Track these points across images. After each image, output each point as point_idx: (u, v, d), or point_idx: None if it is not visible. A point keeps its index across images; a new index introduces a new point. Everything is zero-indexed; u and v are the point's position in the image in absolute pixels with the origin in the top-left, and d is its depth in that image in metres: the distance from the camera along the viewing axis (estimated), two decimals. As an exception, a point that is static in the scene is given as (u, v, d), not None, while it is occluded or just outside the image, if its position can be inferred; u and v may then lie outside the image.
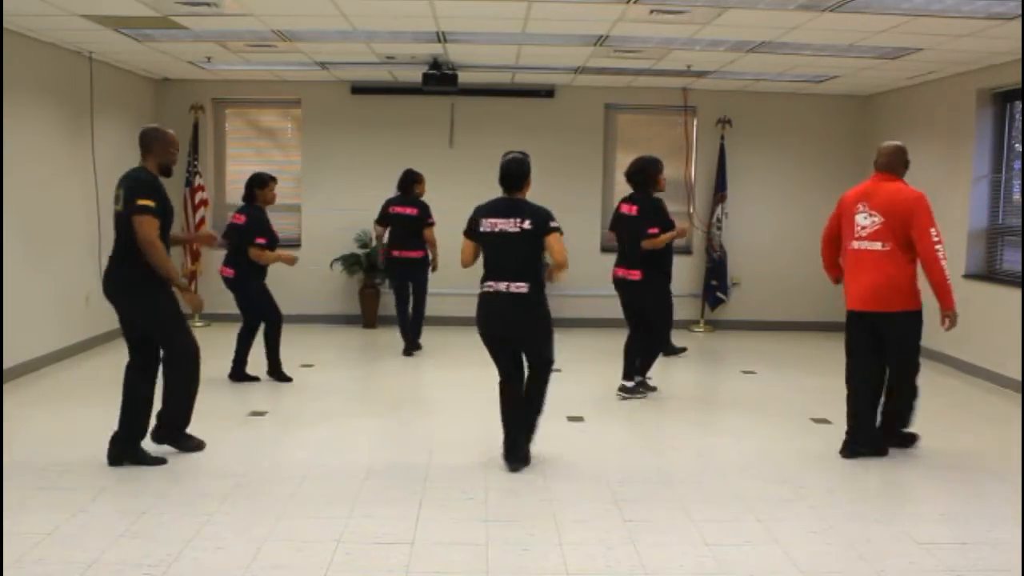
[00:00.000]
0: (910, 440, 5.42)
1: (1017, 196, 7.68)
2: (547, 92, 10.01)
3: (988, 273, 7.93)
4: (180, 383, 5.02)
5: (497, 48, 7.87)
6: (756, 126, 10.14)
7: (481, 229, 4.92)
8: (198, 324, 9.64)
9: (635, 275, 6.54)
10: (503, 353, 5.00)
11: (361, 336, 9.57)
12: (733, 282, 10.17)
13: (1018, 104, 7.73)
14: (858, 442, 5.25)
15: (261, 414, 6.14)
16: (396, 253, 8.26)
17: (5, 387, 6.56)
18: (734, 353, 8.75)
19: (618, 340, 8.72)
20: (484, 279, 4.95)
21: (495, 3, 6.09)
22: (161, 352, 4.99)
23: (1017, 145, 7.81)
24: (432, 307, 9.79)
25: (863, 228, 5.13)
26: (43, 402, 6.36)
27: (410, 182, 8.34)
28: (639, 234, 6.49)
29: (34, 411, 6.08)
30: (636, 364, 6.69)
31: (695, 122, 10.21)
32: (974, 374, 7.70)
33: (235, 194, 10.02)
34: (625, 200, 6.72)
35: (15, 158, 6.90)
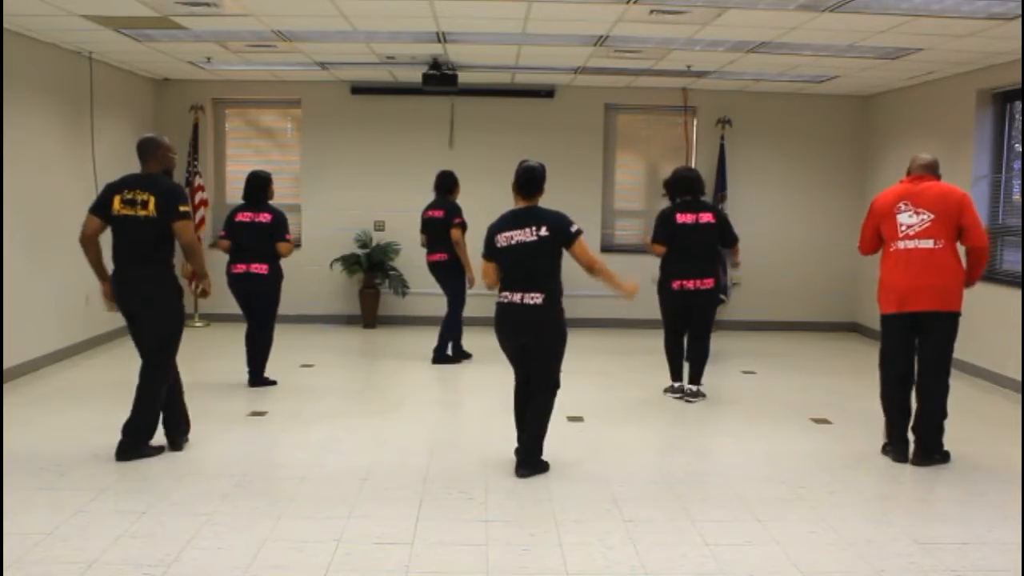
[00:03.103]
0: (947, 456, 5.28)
1: (1017, 196, 7.68)
2: (547, 92, 10.02)
3: (988, 273, 7.89)
4: (159, 393, 5.04)
5: (497, 48, 7.87)
6: (756, 126, 10.15)
7: (497, 245, 4.84)
8: (197, 324, 9.65)
9: (709, 283, 6.57)
10: (522, 360, 4.94)
11: (361, 336, 9.57)
12: (733, 282, 10.17)
13: (1018, 104, 7.73)
14: (930, 447, 5.16)
15: (261, 414, 6.14)
16: (428, 257, 8.02)
17: (5, 387, 6.56)
18: (734, 353, 8.75)
19: (618, 340, 8.73)
20: (500, 290, 4.88)
21: (495, 3, 6.09)
22: (143, 352, 5.05)
23: (1017, 145, 7.81)
24: (432, 307, 9.81)
25: (909, 227, 5.04)
26: (43, 402, 6.36)
27: (450, 184, 7.98)
28: (726, 242, 6.70)
29: (34, 411, 6.08)
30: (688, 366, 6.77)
31: (695, 122, 10.21)
32: (974, 374, 7.69)
33: (235, 194, 10.04)
34: (687, 209, 6.56)
35: (15, 158, 6.90)
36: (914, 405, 5.24)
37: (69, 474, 4.72)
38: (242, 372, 7.00)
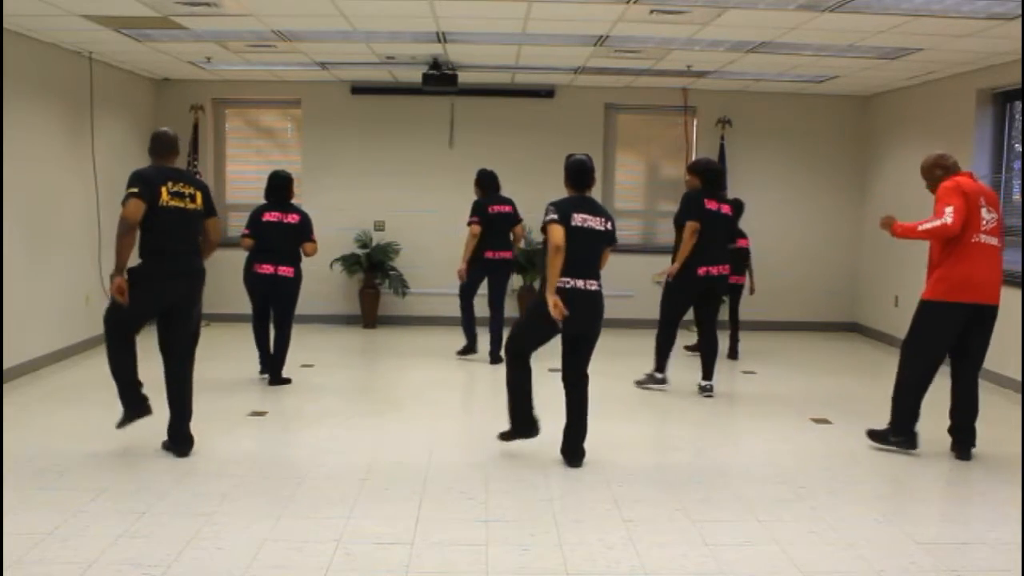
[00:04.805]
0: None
1: (1017, 196, 7.68)
2: (547, 92, 10.02)
3: (988, 273, 7.92)
4: (192, 373, 5.19)
5: (497, 48, 7.87)
6: (756, 126, 10.15)
7: (573, 223, 4.86)
8: (198, 324, 9.65)
9: (727, 269, 6.81)
10: (544, 341, 5.05)
11: (361, 336, 9.57)
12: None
13: (1018, 104, 7.73)
14: (973, 440, 5.32)
15: (261, 414, 6.14)
16: (491, 254, 7.75)
17: (5, 387, 6.56)
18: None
19: (617, 340, 8.72)
20: (559, 275, 4.86)
21: (495, 3, 6.09)
22: (178, 346, 5.10)
23: (1017, 145, 7.81)
24: (432, 308, 9.82)
25: (987, 222, 5.18)
26: (43, 402, 6.36)
27: (497, 181, 7.92)
28: (735, 233, 7.09)
29: (34, 411, 6.08)
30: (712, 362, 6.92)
31: (695, 122, 10.21)
32: (974, 374, 7.69)
33: (235, 194, 10.07)
34: (712, 198, 6.69)
35: (15, 158, 6.89)
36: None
37: (69, 474, 4.71)
38: (242, 371, 7.02)
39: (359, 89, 9.98)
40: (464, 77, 8.97)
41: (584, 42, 7.41)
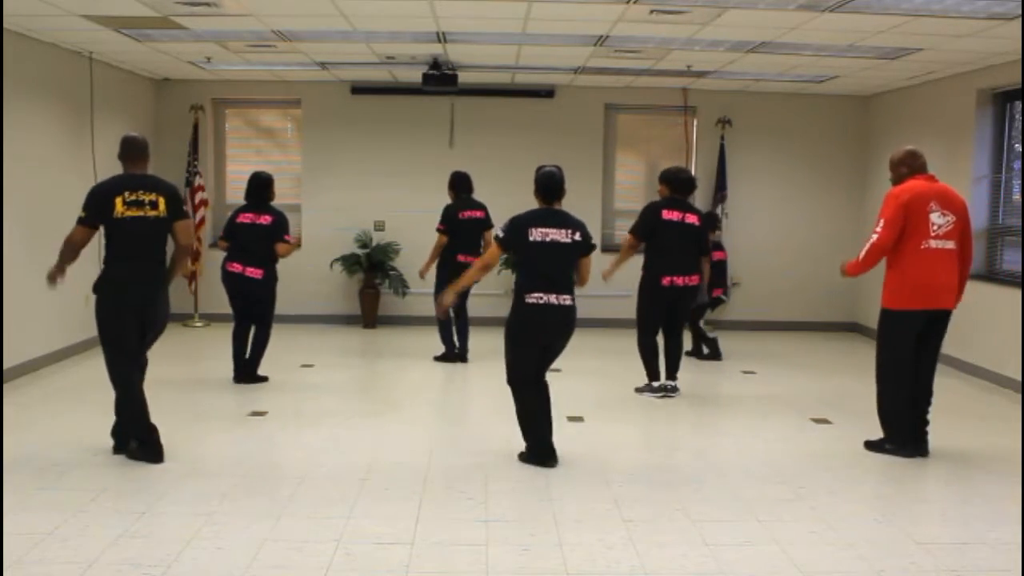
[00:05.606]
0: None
1: (1017, 196, 7.68)
2: (547, 92, 10.02)
3: (988, 273, 7.93)
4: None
5: (497, 48, 7.87)
6: (756, 126, 10.15)
7: (530, 239, 4.84)
8: (197, 324, 9.65)
9: (695, 280, 6.70)
10: (538, 361, 4.99)
11: (361, 336, 9.57)
12: (733, 282, 10.16)
13: (1018, 104, 7.73)
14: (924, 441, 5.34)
15: (261, 414, 6.13)
16: (463, 258, 7.66)
17: (5, 387, 6.56)
18: (734, 353, 8.73)
19: (616, 340, 8.73)
20: (528, 290, 4.85)
21: (495, 3, 6.09)
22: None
23: (1017, 145, 7.81)
24: (433, 308, 9.81)
25: (939, 227, 5.14)
26: (43, 402, 6.36)
27: (472, 184, 7.95)
28: (706, 244, 6.84)
29: (34, 411, 6.08)
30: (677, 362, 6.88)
31: (695, 122, 10.21)
32: (974, 374, 7.69)
33: (235, 194, 10.04)
34: (674, 207, 6.63)
35: (15, 158, 6.90)
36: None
37: (69, 474, 4.72)
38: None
39: (359, 89, 9.98)
40: (464, 77, 8.97)
41: (584, 42, 7.41)
